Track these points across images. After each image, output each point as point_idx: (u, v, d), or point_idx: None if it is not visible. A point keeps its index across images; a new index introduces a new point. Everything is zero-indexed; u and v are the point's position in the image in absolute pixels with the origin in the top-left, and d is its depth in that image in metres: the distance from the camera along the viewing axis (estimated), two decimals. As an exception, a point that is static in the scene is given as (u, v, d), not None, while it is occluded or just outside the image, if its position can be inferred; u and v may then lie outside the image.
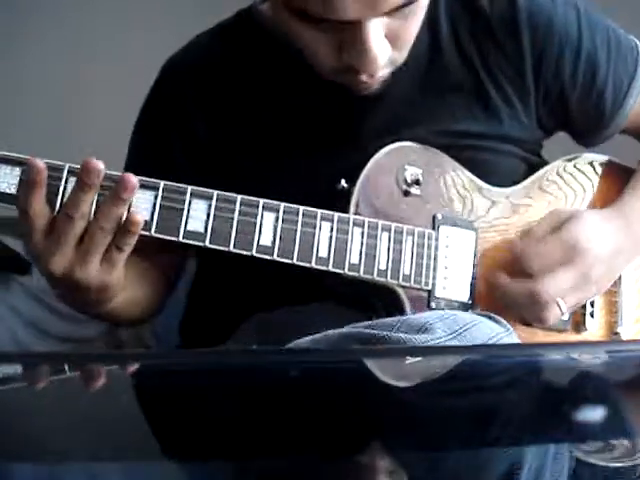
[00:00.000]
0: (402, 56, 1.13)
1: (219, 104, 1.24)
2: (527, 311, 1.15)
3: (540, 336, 1.20)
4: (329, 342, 0.96)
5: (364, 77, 1.11)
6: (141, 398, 0.77)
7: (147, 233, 1.03)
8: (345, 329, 0.97)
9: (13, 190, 1.00)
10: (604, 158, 1.31)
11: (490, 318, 1.03)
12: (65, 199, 1.00)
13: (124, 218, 1.00)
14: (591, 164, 1.29)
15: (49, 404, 0.71)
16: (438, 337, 0.93)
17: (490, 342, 0.96)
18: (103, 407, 0.70)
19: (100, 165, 0.99)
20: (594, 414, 0.73)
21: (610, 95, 1.25)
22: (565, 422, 0.69)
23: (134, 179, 0.99)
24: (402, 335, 0.94)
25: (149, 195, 1.02)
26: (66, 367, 0.84)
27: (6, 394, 0.74)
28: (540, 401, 0.76)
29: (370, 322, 0.98)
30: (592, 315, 1.22)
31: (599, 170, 1.30)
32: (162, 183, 1.03)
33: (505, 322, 1.02)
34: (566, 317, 1.20)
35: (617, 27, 1.27)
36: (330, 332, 0.97)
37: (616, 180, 1.29)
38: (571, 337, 1.22)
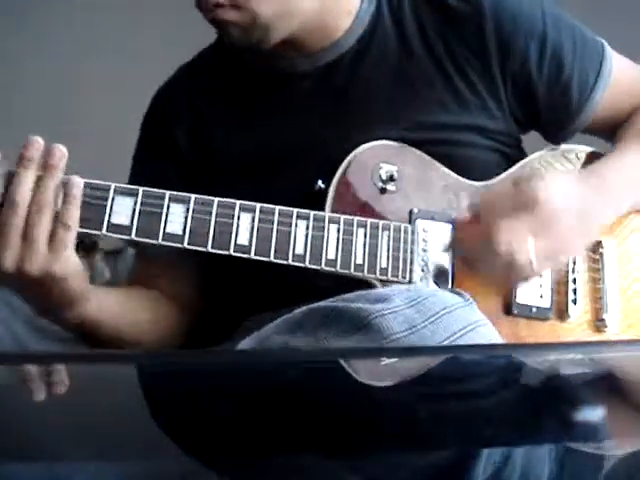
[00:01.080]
0: (254, 10, 1.15)
1: (202, 120, 1.29)
2: (489, 261, 1.12)
3: (522, 325, 1.21)
4: (294, 319, 0.99)
5: None
6: (141, 398, 0.78)
7: (128, 237, 1.06)
8: (311, 305, 1.00)
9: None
10: (585, 148, 1.33)
11: (452, 292, 1.04)
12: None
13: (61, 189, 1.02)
14: (575, 155, 1.31)
15: (49, 404, 0.72)
16: (395, 306, 0.95)
17: (447, 310, 0.97)
18: (103, 407, 0.70)
19: (39, 140, 1.02)
20: (582, 414, 0.75)
21: (576, 88, 1.28)
22: (555, 422, 0.70)
23: (62, 147, 1.03)
24: (360, 305, 0.96)
25: (129, 201, 1.06)
26: (66, 367, 0.84)
27: (6, 394, 0.74)
28: (529, 400, 0.77)
29: (334, 298, 1.00)
30: (575, 302, 1.23)
31: (578, 160, 1.31)
32: (141, 189, 1.07)
33: (467, 295, 1.03)
34: (548, 296, 1.21)
35: (585, 28, 1.31)
36: (297, 310, 1.00)
37: None
38: (556, 325, 1.23)
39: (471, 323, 0.98)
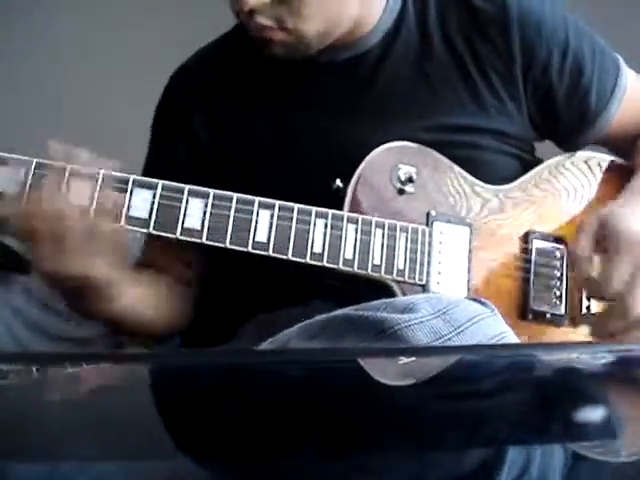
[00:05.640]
0: (297, 23, 1.15)
1: (219, 109, 1.28)
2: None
3: (536, 331, 1.21)
4: (317, 325, 0.98)
5: (242, 16, 1.15)
6: (141, 398, 0.76)
7: (145, 230, 1.06)
8: (334, 312, 0.99)
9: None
10: (600, 156, 1.33)
11: (476, 301, 1.04)
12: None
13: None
14: (586, 162, 1.31)
15: (49, 404, 0.71)
16: (422, 316, 0.94)
17: (473, 321, 0.96)
18: (103, 407, 0.70)
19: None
20: (592, 414, 0.74)
21: (594, 97, 1.29)
22: (563, 422, 0.69)
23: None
24: (386, 315, 0.95)
25: (148, 194, 1.05)
26: (66, 367, 0.83)
27: (5, 394, 0.73)
28: (538, 401, 0.76)
29: (358, 305, 0.99)
30: (589, 309, 1.23)
31: (595, 167, 1.31)
32: (160, 182, 1.07)
33: (491, 304, 1.03)
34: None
35: (602, 40, 1.31)
36: (319, 317, 0.99)
37: (614, 176, 1.31)
38: (569, 332, 1.22)
39: (496, 334, 0.97)
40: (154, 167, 1.29)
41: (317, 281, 1.13)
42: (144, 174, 1.26)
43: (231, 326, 1.24)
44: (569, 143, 1.33)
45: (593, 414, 0.73)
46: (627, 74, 1.32)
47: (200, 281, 1.31)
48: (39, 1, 2.58)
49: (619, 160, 1.33)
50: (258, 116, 1.25)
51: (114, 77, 2.46)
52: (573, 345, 1.12)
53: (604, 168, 1.31)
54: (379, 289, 1.13)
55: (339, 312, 0.99)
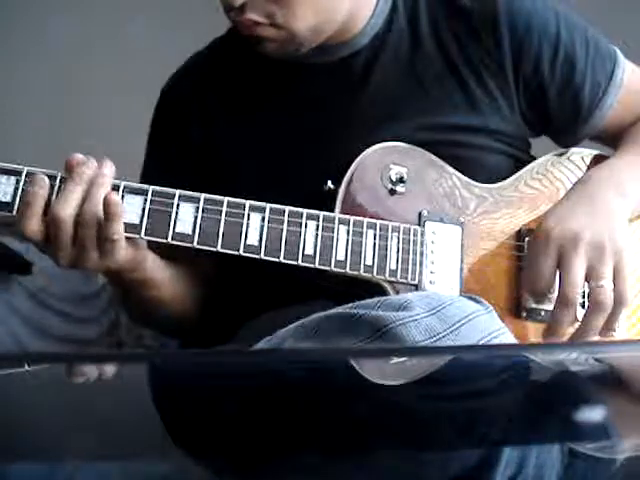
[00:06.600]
0: (288, 19, 1.15)
1: (213, 111, 1.28)
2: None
3: (530, 329, 1.20)
4: (312, 324, 0.98)
5: (232, 14, 1.15)
6: (141, 398, 0.77)
7: (137, 236, 1.07)
8: (329, 311, 0.99)
9: (9, 198, 1.04)
10: (594, 152, 1.32)
11: (470, 298, 1.04)
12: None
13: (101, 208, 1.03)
14: (581, 159, 1.31)
15: (48, 404, 0.71)
16: (416, 314, 0.94)
17: (467, 319, 0.96)
18: (102, 407, 0.70)
19: (84, 157, 1.05)
20: (587, 413, 0.74)
21: (587, 93, 1.28)
22: (557, 422, 0.70)
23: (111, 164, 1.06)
24: (381, 313, 0.95)
25: (139, 200, 1.06)
26: (66, 367, 0.84)
27: (6, 394, 0.73)
28: (533, 400, 0.76)
29: (353, 304, 0.99)
30: (583, 306, 1.21)
31: (585, 163, 1.31)
32: (151, 188, 1.07)
33: (485, 302, 1.03)
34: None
35: (598, 33, 1.30)
36: (314, 315, 0.99)
37: None
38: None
39: (491, 332, 0.98)
40: (151, 171, 1.30)
41: (313, 282, 1.14)
42: (142, 177, 1.28)
43: (231, 326, 1.24)
44: (565, 139, 1.33)
45: (588, 413, 0.73)
46: (624, 66, 1.31)
47: (212, 279, 1.31)
48: (39, 1, 2.58)
49: (605, 154, 1.32)
50: (251, 118, 1.26)
51: (114, 77, 2.47)
52: (567, 345, 1.11)
53: (590, 162, 1.31)
54: (370, 286, 1.13)
55: (334, 311, 0.99)
